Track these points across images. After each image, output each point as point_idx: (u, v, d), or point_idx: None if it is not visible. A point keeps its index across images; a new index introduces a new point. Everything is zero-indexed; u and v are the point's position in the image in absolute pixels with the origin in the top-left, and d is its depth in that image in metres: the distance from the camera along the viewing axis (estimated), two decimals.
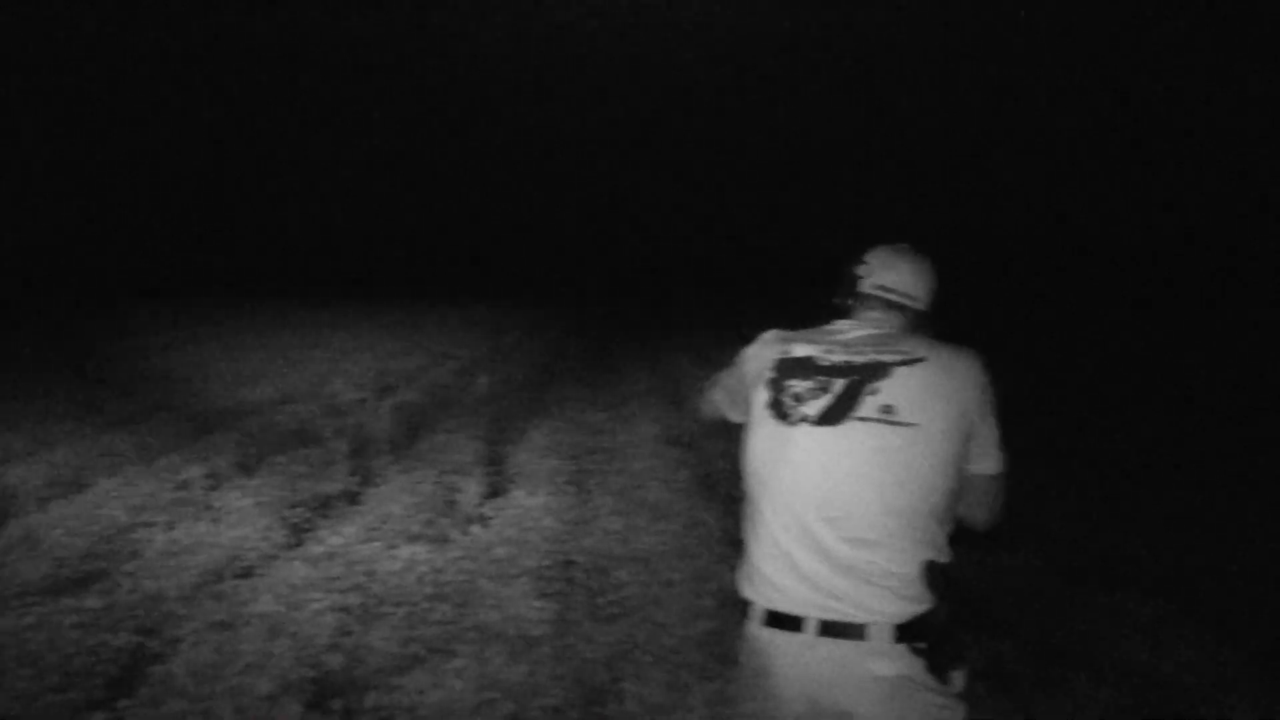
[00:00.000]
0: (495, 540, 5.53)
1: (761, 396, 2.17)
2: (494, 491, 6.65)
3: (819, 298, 2.64)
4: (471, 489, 6.38)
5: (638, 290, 28.37)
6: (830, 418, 2.06)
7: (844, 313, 2.34)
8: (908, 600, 1.98)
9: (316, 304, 22.37)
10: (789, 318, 2.63)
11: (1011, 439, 2.18)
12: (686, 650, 4.21)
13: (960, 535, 2.14)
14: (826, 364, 2.14)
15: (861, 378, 2.09)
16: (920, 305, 2.31)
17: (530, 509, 6.10)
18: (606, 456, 7.81)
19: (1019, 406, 2.81)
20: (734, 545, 5.40)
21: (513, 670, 3.92)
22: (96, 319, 18.22)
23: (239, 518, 5.87)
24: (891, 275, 2.29)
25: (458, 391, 10.82)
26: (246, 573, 5.09)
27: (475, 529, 5.75)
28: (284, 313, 20.04)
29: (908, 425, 2.01)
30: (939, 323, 2.36)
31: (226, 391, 10.90)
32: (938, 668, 1.99)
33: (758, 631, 2.09)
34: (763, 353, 2.26)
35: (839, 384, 2.09)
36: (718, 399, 2.45)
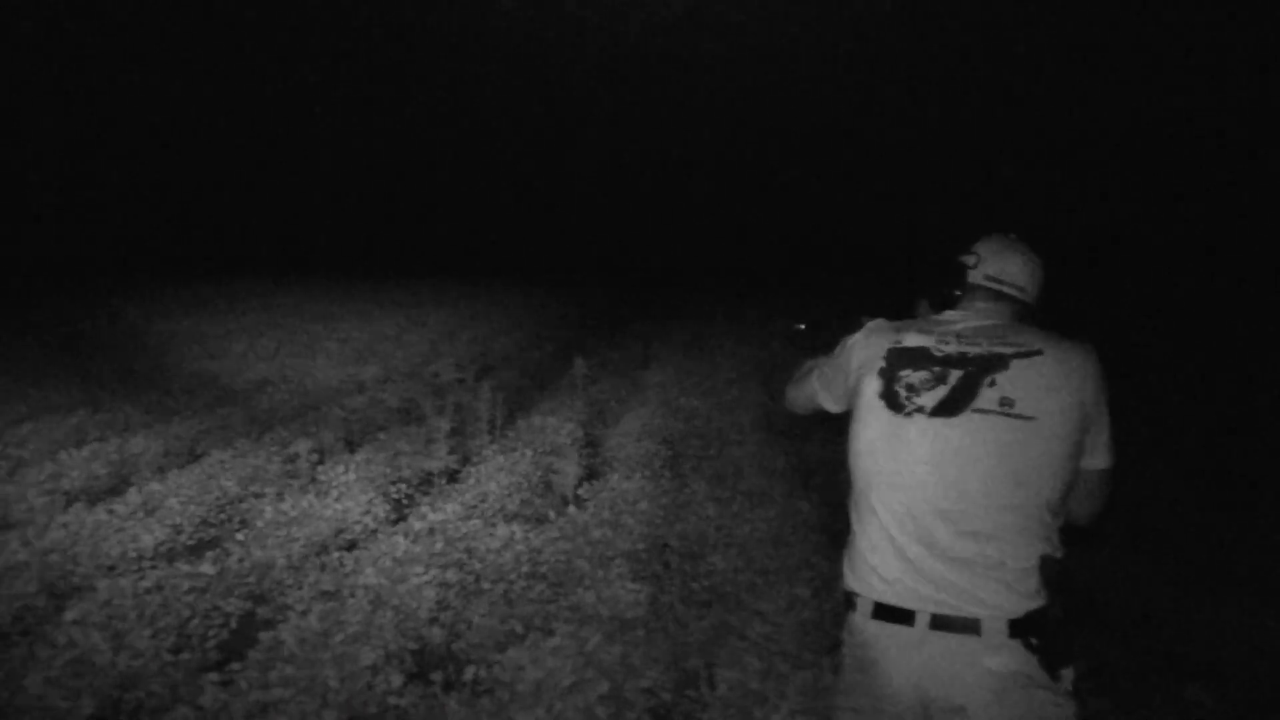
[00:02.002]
0: (591, 522, 5.57)
1: (872, 386, 2.14)
2: (590, 473, 6.71)
3: (904, 285, 2.61)
4: (568, 470, 6.43)
5: (733, 275, 28.22)
6: (947, 409, 2.02)
7: (949, 303, 2.30)
8: (1023, 595, 1.94)
9: (418, 284, 22.80)
10: (881, 304, 2.59)
11: (1123, 434, 2.13)
12: (782, 638, 4.19)
13: (1067, 531, 2.10)
14: (941, 354, 2.10)
15: (978, 369, 2.05)
16: (1029, 297, 2.27)
17: (626, 492, 6.13)
18: (702, 442, 7.81)
19: (1131, 401, 2.72)
20: (830, 534, 5.36)
21: (609, 651, 3.95)
22: (203, 296, 18.89)
23: (344, 492, 6.03)
24: (1002, 266, 2.25)
25: (555, 373, 10.93)
26: (351, 545, 5.24)
27: (572, 510, 5.81)
28: (386, 292, 20.48)
29: (1026, 418, 1.98)
30: (1044, 315, 2.31)
31: (333, 368, 11.20)
32: (1050, 664, 1.95)
33: (864, 624, 2.06)
34: (871, 342, 2.23)
35: (955, 375, 2.05)
36: (813, 388, 2.43)
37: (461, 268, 28.72)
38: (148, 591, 4.45)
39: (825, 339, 2.64)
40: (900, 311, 2.43)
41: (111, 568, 4.81)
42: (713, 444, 7.72)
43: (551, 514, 5.74)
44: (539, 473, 6.56)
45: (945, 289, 2.33)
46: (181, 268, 25.75)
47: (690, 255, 34.99)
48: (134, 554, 5.01)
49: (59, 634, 3.97)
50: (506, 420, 8.04)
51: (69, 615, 4.14)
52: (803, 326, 2.77)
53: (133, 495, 5.81)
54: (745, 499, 6.17)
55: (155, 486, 5.99)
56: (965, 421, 2.01)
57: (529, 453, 7.01)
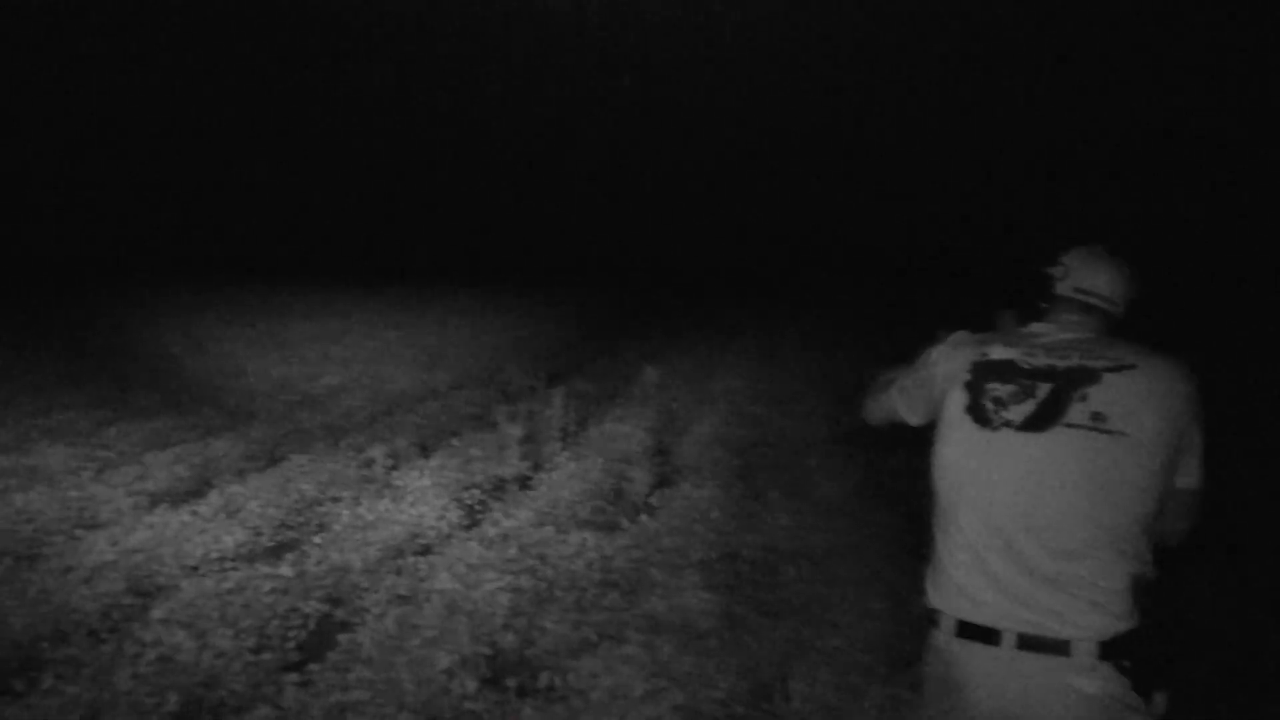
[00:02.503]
0: (663, 530, 5.56)
1: (957, 399, 2.09)
2: (661, 481, 6.70)
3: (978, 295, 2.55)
4: (639, 478, 6.44)
5: (805, 284, 28.05)
6: (1036, 423, 1.97)
7: (1035, 315, 2.25)
8: (1114, 616, 1.89)
9: (490, 290, 23.06)
10: (960, 316, 2.54)
11: (1216, 452, 2.07)
12: (856, 652, 4.14)
13: (1158, 550, 2.04)
14: (1029, 367, 2.06)
15: (1068, 383, 2.00)
16: (1118, 309, 2.21)
17: (697, 500, 6.12)
18: (773, 451, 7.76)
19: (1224, 419, 2.64)
20: (905, 546, 5.28)
21: (681, 661, 3.94)
22: (277, 303, 19.31)
23: (418, 497, 6.10)
24: (1091, 277, 2.20)
25: (625, 381, 10.95)
26: (425, 550, 5.30)
27: (643, 518, 5.81)
28: (457, 299, 20.73)
29: (1118, 434, 1.92)
30: (1134, 327, 2.25)
31: (406, 375, 11.36)
32: (1142, 688, 1.89)
33: (948, 642, 2.02)
34: (955, 354, 2.18)
35: (1044, 388, 2.01)
36: (893, 400, 2.38)
37: (530, 274, 28.98)
38: (229, 592, 4.55)
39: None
40: (981, 324, 2.39)
41: (195, 568, 4.93)
42: (784, 453, 7.67)
43: (623, 521, 5.75)
44: (610, 480, 6.57)
45: (1031, 301, 2.29)
46: (254, 273, 26.37)
47: (752, 259, 34.88)
48: (216, 555, 5.13)
49: (146, 632, 4.07)
50: (578, 427, 8.07)
51: (155, 614, 4.25)
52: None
53: (214, 497, 5.95)
54: (818, 509, 6.12)
55: (236, 489, 6.12)
56: (1055, 436, 1.96)
57: (600, 460, 7.03)
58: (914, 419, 2.32)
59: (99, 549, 4.99)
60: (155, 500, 5.98)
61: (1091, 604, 1.89)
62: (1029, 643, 1.91)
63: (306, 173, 43.11)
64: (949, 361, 2.18)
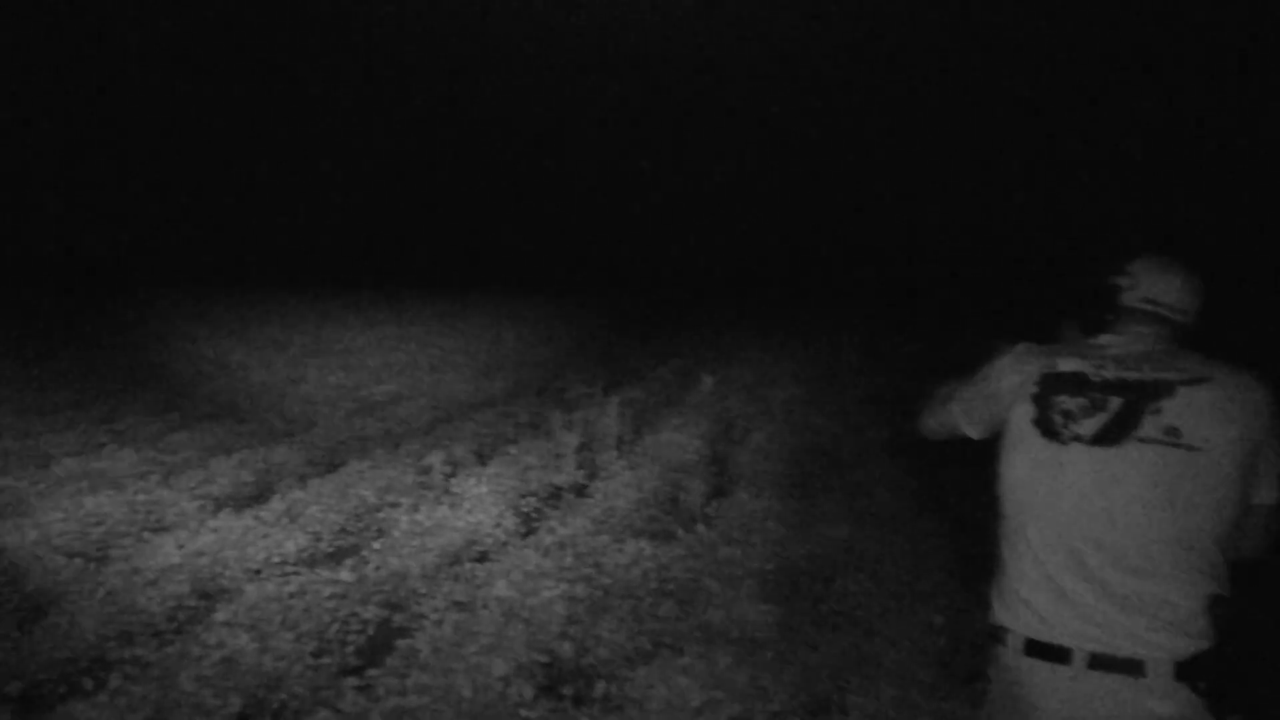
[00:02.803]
0: (719, 540, 5.54)
1: (1024, 412, 2.05)
2: (718, 491, 6.67)
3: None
4: (696, 487, 6.42)
5: (862, 291, 27.84)
6: (1107, 437, 1.93)
7: (1102, 326, 2.19)
8: (1190, 636, 1.83)
9: (546, 298, 23.20)
10: (1019, 327, 2.49)
11: None
12: (916, 666, 4.08)
13: (1235, 567, 1.98)
14: (1099, 380, 2.01)
15: (1140, 396, 1.95)
16: (1188, 320, 2.15)
17: (754, 511, 6.08)
18: (831, 461, 7.69)
19: None
20: (965, 559, 5.20)
21: (738, 672, 3.91)
22: (333, 311, 19.60)
23: (475, 504, 6.14)
24: (1160, 287, 2.14)
25: (681, 390, 10.94)
26: (483, 557, 5.33)
27: (700, 527, 5.78)
28: (514, 307, 20.89)
29: (1193, 448, 1.87)
30: (1201, 338, 2.19)
31: (463, 382, 11.46)
32: (1219, 710, 1.83)
33: (1015, 660, 1.97)
34: (1021, 366, 2.13)
35: (1115, 402, 1.96)
36: (953, 412, 2.33)
37: (585, 282, 29.09)
38: (290, 596, 4.61)
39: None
40: (1043, 335, 2.34)
41: (257, 572, 5.00)
42: (842, 463, 7.60)
43: (679, 531, 5.73)
44: (666, 489, 6.56)
45: (1096, 312, 2.23)
46: (314, 282, 26.80)
47: (810, 265, 34.70)
48: (277, 559, 5.20)
49: (209, 634, 4.14)
50: (634, 436, 8.08)
51: (218, 616, 4.32)
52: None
53: (276, 502, 6.04)
54: (876, 520, 6.05)
55: (297, 494, 6.21)
56: (1127, 451, 1.91)
57: (656, 469, 7.02)
58: (975, 432, 2.27)
59: (165, 551, 5.09)
60: (219, 504, 6.09)
61: (1166, 623, 1.84)
62: (1101, 662, 1.86)
63: (361, 180, 43.77)
64: (1014, 374, 2.13)
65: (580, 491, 6.64)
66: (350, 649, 4.19)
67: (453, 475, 6.82)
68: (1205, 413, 1.91)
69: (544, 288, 27.07)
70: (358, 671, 3.94)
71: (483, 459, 7.42)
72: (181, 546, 5.18)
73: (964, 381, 2.35)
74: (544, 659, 4.06)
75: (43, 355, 12.30)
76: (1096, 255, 2.32)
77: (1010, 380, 2.13)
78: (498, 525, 5.82)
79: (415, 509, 6.03)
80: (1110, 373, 2.02)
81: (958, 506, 6.34)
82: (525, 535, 5.73)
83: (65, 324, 15.95)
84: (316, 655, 4.09)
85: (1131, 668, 1.84)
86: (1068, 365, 2.07)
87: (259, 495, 6.39)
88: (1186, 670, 1.83)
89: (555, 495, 6.55)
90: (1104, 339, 2.17)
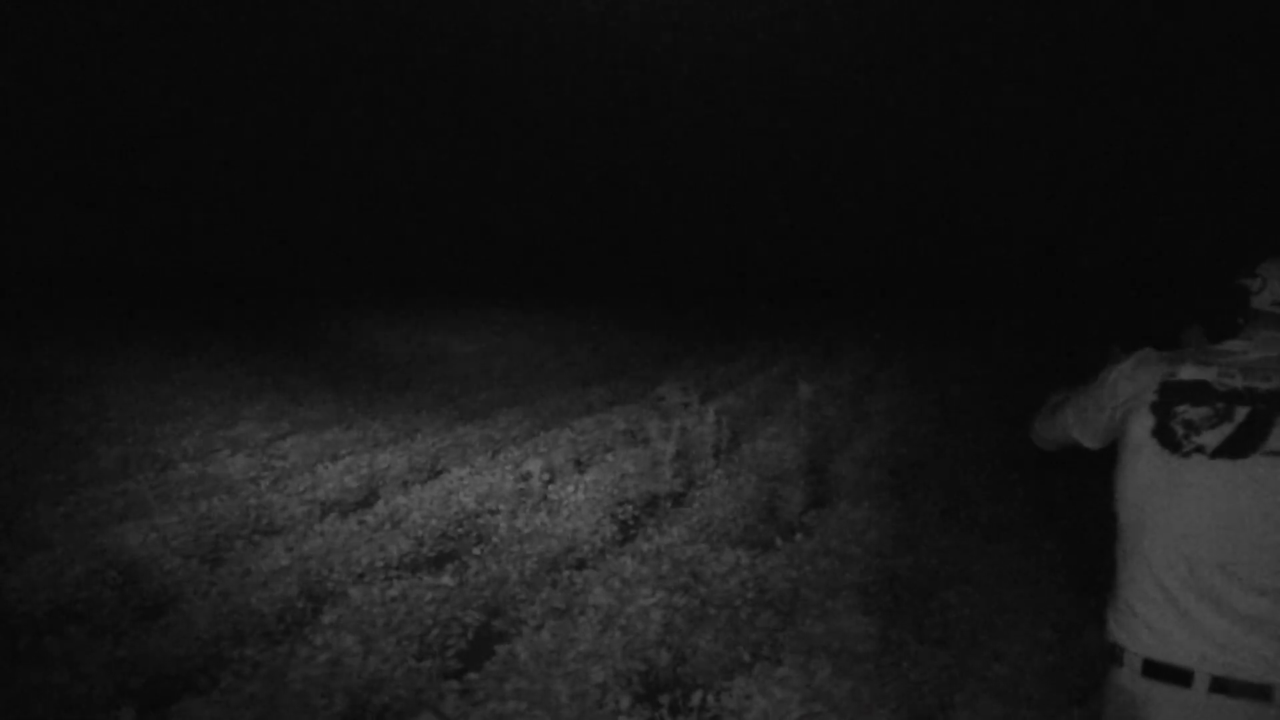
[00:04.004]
0: (818, 550, 5.46)
1: (1143, 422, 1.95)
2: (816, 500, 6.59)
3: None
4: (794, 496, 6.35)
5: (970, 295, 27.27)
6: (1233, 449, 1.83)
7: (1230, 331, 2.09)
8: None
9: (642, 307, 23.29)
10: (1141, 332, 2.38)
11: None
12: (1024, 682, 3.95)
13: None
14: (1225, 389, 1.91)
15: (1270, 406, 1.84)
16: None
17: (853, 520, 5.98)
18: (933, 470, 7.53)
19: None
20: (1075, 573, 5.03)
21: (838, 685, 3.84)
22: (439, 319, 19.97)
23: (573, 511, 6.18)
24: None
25: (779, 398, 10.85)
26: (581, 564, 5.36)
27: (798, 537, 5.71)
28: (611, 315, 21.02)
29: None
30: None
31: (561, 391, 11.56)
32: None
33: (1132, 682, 1.89)
34: (1140, 374, 2.04)
35: (1241, 412, 1.86)
36: (1067, 422, 2.25)
37: (681, 291, 29.11)
38: (394, 600, 4.70)
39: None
40: (1166, 341, 2.24)
41: (362, 575, 5.12)
42: (945, 472, 7.43)
43: (777, 540, 5.67)
44: (764, 498, 6.50)
45: (1224, 316, 2.12)
46: (417, 291, 27.39)
47: (913, 268, 34.10)
48: (381, 563, 5.31)
49: (317, 635, 4.24)
50: (731, 444, 8.03)
51: (325, 618, 4.43)
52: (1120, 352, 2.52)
53: (380, 507, 6.17)
54: (980, 531, 5.90)
55: (400, 500, 6.33)
56: (1254, 465, 1.81)
57: (753, 478, 6.97)
58: (1091, 443, 2.19)
59: (275, 554, 5.24)
60: (326, 509, 6.25)
61: None
62: (1224, 686, 1.77)
63: (450, 189, 44.61)
64: (1132, 382, 2.04)
65: (677, 500, 6.63)
66: (451, 652, 4.25)
67: (551, 482, 6.88)
68: None
69: (641, 296, 27.18)
70: (458, 675, 4.00)
71: (581, 467, 7.47)
72: (290, 549, 5.33)
73: (1078, 390, 2.26)
74: (641, 667, 4.06)
75: (164, 364, 12.82)
76: (1223, 258, 2.22)
77: (1127, 388, 2.04)
78: (595, 533, 5.85)
79: (514, 515, 6.10)
80: (1238, 381, 1.92)
81: (1067, 517, 6.14)
82: (623, 543, 5.75)
83: (187, 334, 16.61)
84: (418, 658, 4.16)
85: (1258, 693, 1.74)
86: (1191, 373, 1.97)
87: (364, 500, 6.54)
88: None
89: (652, 503, 6.56)
90: (1231, 345, 2.06)
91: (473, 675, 3.97)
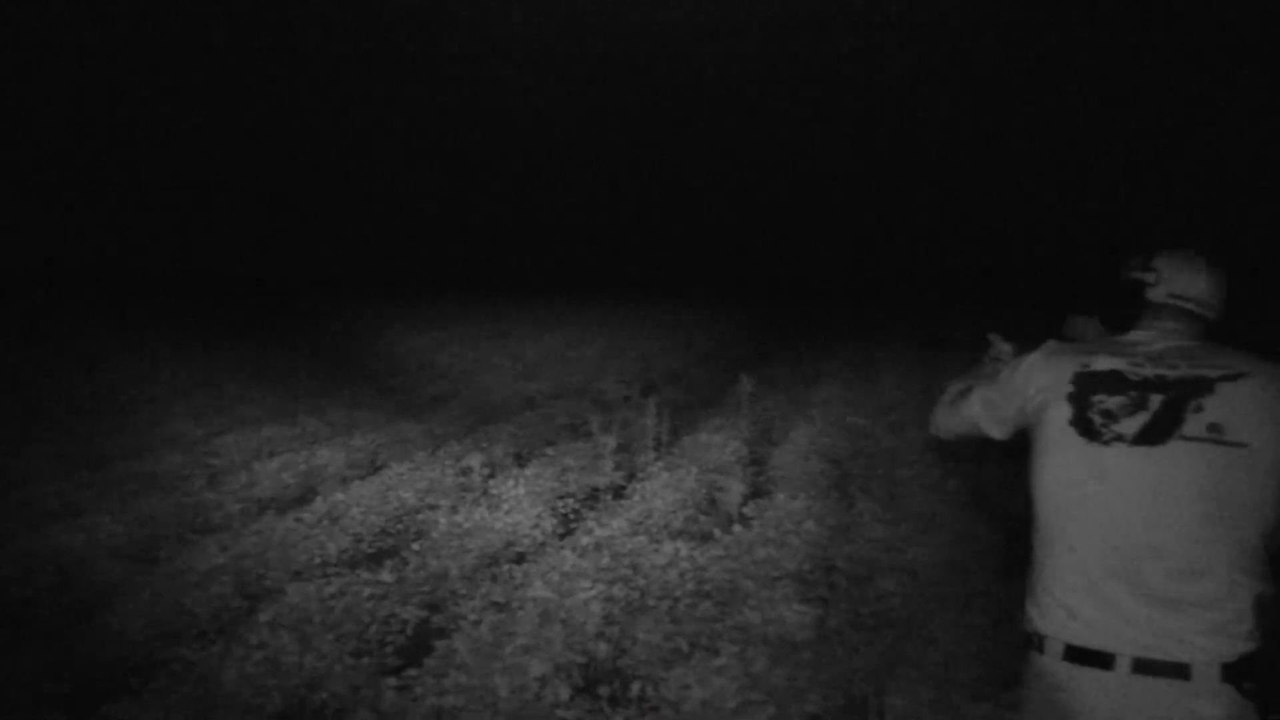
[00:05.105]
0: (757, 541, 5.52)
1: (1060, 413, 2.00)
2: (756, 492, 6.65)
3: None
4: (734, 488, 6.41)
5: (904, 288, 27.65)
6: (1151, 437, 1.89)
7: (1129, 324, 2.16)
8: (1236, 637, 1.81)
9: (584, 302, 23.28)
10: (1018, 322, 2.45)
11: None
12: (956, 668, 4.04)
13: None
14: (1138, 378, 1.97)
15: (1181, 393, 1.91)
16: (1215, 314, 2.11)
17: (792, 511, 6.05)
18: (870, 462, 7.64)
19: None
20: (1006, 560, 5.14)
21: (775, 674, 3.90)
22: (376, 315, 19.79)
23: (514, 505, 6.17)
24: (1187, 283, 2.11)
25: (720, 391, 10.92)
26: (520, 558, 5.36)
27: (737, 528, 5.77)
28: (553, 310, 20.98)
29: (1238, 445, 1.84)
30: (1227, 332, 2.15)
31: (504, 385, 11.53)
32: (1264, 711, 1.80)
33: (1054, 666, 1.94)
34: (1052, 365, 2.09)
35: (1156, 400, 1.92)
36: (973, 412, 2.29)
37: (623, 284, 29.13)
38: (332, 597, 4.67)
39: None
40: (1043, 331, 2.31)
41: (299, 573, 5.07)
42: (881, 464, 7.55)
43: (717, 532, 5.72)
44: (704, 490, 6.55)
45: (1121, 308, 2.19)
46: (353, 287, 27.10)
47: (849, 264, 34.51)
48: (319, 561, 5.27)
49: (252, 634, 4.20)
50: (672, 437, 8.08)
51: (262, 617, 4.39)
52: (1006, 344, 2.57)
53: (318, 505, 6.12)
54: (916, 521, 6.00)
55: (339, 497, 6.28)
56: (1171, 450, 1.87)
57: (694, 470, 7.02)
58: (999, 433, 2.23)
59: (210, 553, 5.18)
60: (263, 507, 6.18)
61: (1213, 625, 1.81)
62: (1145, 666, 1.82)
63: (400, 184, 44.26)
64: (1045, 373, 2.09)
65: (618, 493, 6.65)
66: (389, 649, 4.24)
67: (492, 477, 6.87)
68: (1245, 409, 1.88)
69: (582, 290, 27.15)
70: (397, 671, 3.98)
71: (521, 461, 7.46)
72: (225, 548, 5.27)
73: (980, 381, 2.31)
74: (581, 659, 4.08)
75: (98, 360, 12.54)
76: (1117, 251, 2.29)
77: (1041, 379, 2.09)
78: (536, 526, 5.86)
79: (454, 510, 6.08)
80: (1149, 370, 1.98)
81: (999, 506, 6.27)
82: (563, 536, 5.76)
83: (121, 329, 16.27)
84: (356, 655, 4.14)
85: (1177, 671, 1.81)
86: (1104, 363, 2.03)
87: (302, 498, 6.48)
88: (1233, 672, 1.80)
89: (593, 496, 6.58)
90: (1135, 335, 2.13)
91: (411, 671, 3.97)
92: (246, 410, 9.47)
